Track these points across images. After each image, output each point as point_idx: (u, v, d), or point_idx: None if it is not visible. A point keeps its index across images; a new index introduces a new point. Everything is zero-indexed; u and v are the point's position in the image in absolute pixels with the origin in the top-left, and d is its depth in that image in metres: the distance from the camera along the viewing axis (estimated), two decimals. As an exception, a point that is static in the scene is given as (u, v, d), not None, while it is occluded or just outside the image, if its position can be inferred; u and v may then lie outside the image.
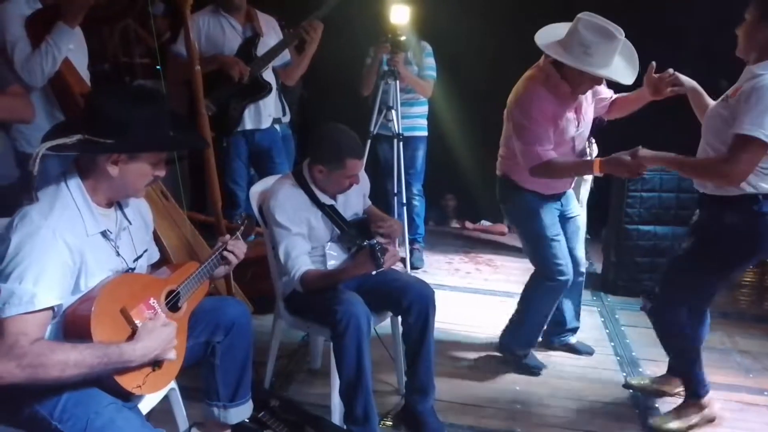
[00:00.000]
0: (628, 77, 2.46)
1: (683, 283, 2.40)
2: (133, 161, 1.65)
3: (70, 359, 1.45)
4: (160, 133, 1.69)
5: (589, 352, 3.14)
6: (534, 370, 2.96)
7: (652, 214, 3.83)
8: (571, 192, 2.94)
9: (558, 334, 3.15)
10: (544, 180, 2.66)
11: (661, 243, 3.83)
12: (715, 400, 2.57)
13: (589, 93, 2.67)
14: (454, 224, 5.40)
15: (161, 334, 1.61)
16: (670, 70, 2.47)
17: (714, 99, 2.36)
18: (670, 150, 2.34)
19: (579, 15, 2.41)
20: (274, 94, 3.46)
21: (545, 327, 3.03)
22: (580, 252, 2.98)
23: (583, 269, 3.00)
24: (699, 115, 2.44)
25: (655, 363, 3.08)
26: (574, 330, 3.18)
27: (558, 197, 2.84)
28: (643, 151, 2.32)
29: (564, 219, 2.88)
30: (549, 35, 2.50)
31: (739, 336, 3.42)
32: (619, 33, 2.37)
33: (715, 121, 2.21)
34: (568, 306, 3.09)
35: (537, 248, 2.82)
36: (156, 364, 1.65)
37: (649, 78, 2.52)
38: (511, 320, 3.03)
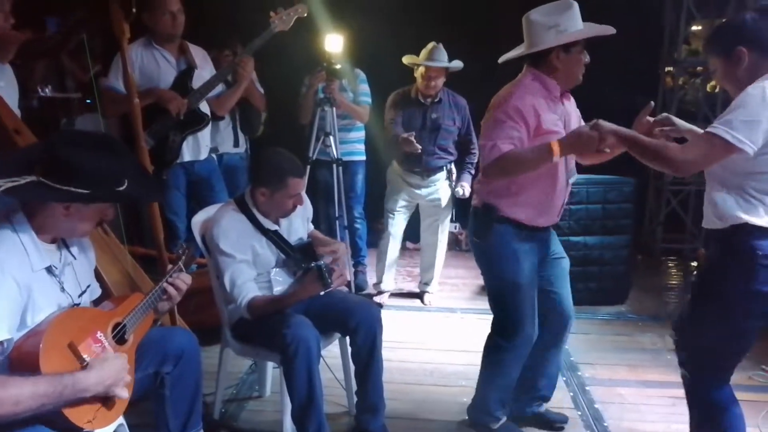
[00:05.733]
0: (608, 29, 2.27)
1: (703, 345, 2.09)
2: (86, 209, 1.67)
3: (24, 392, 1.43)
4: (117, 186, 1.70)
5: (563, 422, 2.70)
6: None
7: (581, 225, 4.04)
8: (553, 233, 2.58)
9: (531, 400, 2.68)
10: (529, 203, 2.35)
11: (591, 253, 4.04)
12: None
13: (575, 116, 2.45)
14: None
15: (114, 364, 1.61)
16: (664, 114, 2.29)
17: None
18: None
19: (525, 15, 2.31)
20: (215, 124, 3.49)
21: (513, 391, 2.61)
22: (568, 301, 2.56)
23: (571, 323, 2.57)
24: None
25: (592, 366, 3.23)
26: (545, 398, 2.70)
27: (542, 237, 2.46)
28: (602, 122, 2.11)
29: (549, 262, 2.52)
30: (511, 54, 2.40)
31: (669, 336, 3.62)
32: (570, 0, 2.27)
33: None
34: (543, 366, 2.61)
35: (504, 296, 2.44)
36: (106, 402, 1.63)
37: (640, 121, 2.27)
38: (476, 388, 2.64)
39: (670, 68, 5.44)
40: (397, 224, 4.07)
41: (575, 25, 2.25)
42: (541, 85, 2.31)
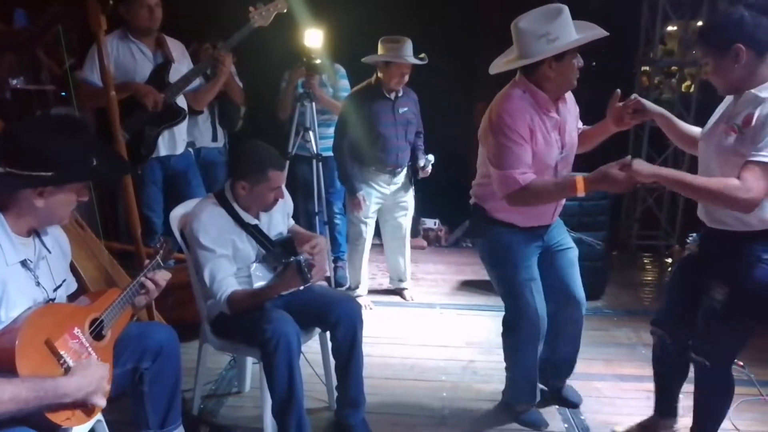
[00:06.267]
0: (600, 33, 2.24)
1: (734, 336, 2.17)
2: (60, 192, 1.64)
3: (5, 394, 1.40)
4: (86, 163, 1.68)
5: (577, 402, 2.82)
6: (533, 425, 2.66)
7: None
8: (560, 222, 2.62)
9: (552, 376, 2.81)
10: (521, 209, 2.38)
11: (569, 249, 4.08)
12: None
13: (574, 114, 2.46)
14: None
15: (96, 372, 1.60)
16: (635, 96, 2.33)
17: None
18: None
19: (513, 22, 2.26)
20: (194, 118, 3.46)
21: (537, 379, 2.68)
22: (578, 289, 2.59)
23: (582, 309, 2.62)
24: (676, 140, 2.35)
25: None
26: (563, 375, 2.82)
27: (538, 233, 2.50)
28: (638, 164, 2.03)
29: (553, 253, 2.56)
30: (500, 62, 2.38)
31: (644, 331, 3.65)
32: (559, 5, 2.23)
33: (727, 155, 1.99)
34: (561, 349, 2.72)
35: (508, 291, 2.54)
36: (84, 407, 1.62)
37: (613, 107, 2.35)
38: (505, 374, 2.77)
39: (646, 68, 5.51)
40: (371, 230, 3.98)
41: (566, 33, 2.20)
42: (531, 97, 2.28)
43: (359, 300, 3.86)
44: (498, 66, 2.38)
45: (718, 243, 2.13)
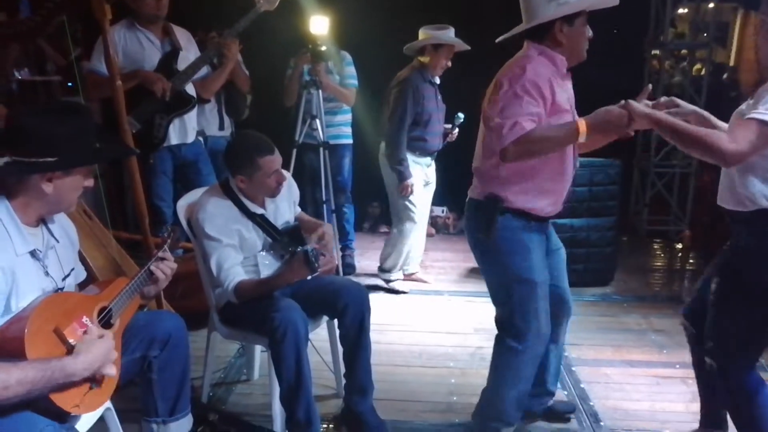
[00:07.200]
0: (611, 1, 2.14)
1: (736, 333, 2.03)
2: (68, 176, 1.65)
3: (12, 377, 1.41)
4: (90, 146, 1.69)
5: (571, 411, 2.65)
6: None
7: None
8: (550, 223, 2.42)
9: (539, 396, 2.56)
10: (545, 190, 2.19)
11: (578, 234, 4.06)
12: None
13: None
14: (383, 229, 5.49)
15: (100, 347, 1.59)
16: (671, 98, 2.18)
17: None
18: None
19: None
20: (201, 107, 3.46)
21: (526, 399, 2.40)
22: (568, 292, 2.46)
23: (570, 314, 2.49)
24: None
25: (578, 347, 3.27)
26: (552, 393, 2.60)
27: (545, 227, 2.32)
28: (634, 104, 1.94)
29: (549, 254, 2.37)
30: (510, 32, 2.22)
31: (654, 316, 3.68)
32: None
33: (734, 118, 1.97)
34: (548, 361, 2.48)
35: (514, 295, 2.23)
36: (95, 381, 1.63)
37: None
38: (483, 392, 2.44)
39: (656, 51, 5.45)
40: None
41: None
42: (548, 60, 2.12)
43: (394, 284, 4.03)
44: (506, 35, 2.22)
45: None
